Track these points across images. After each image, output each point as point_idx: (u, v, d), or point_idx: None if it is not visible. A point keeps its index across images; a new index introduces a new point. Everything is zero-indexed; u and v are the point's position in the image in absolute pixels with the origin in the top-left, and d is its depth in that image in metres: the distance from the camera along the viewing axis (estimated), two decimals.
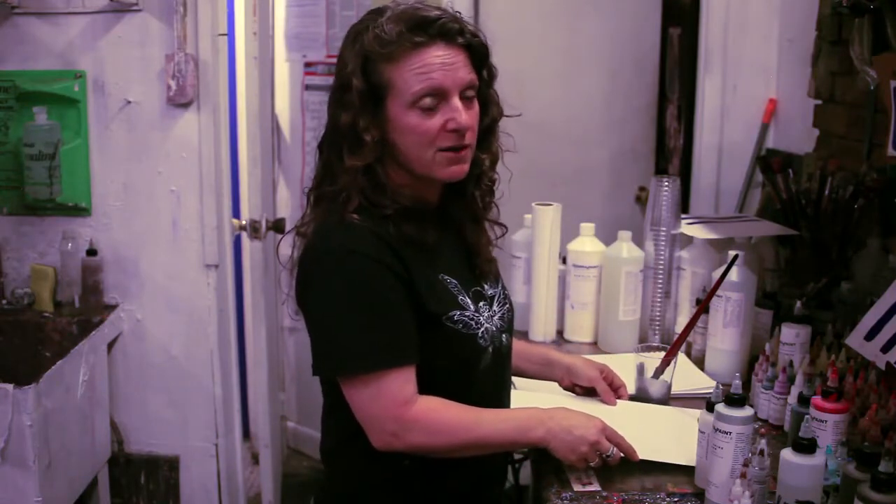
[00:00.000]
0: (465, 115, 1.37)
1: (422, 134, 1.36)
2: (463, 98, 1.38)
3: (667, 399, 1.76)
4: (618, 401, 1.71)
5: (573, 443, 1.40)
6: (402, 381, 1.35)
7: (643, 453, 1.48)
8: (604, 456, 1.42)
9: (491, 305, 1.48)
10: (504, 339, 1.51)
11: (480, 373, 1.46)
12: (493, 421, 1.42)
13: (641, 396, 1.76)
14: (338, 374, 1.38)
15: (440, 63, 1.35)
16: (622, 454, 1.45)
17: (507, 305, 1.55)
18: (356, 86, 1.35)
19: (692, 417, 1.64)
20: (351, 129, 1.36)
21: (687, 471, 1.49)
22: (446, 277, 1.43)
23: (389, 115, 1.37)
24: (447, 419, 1.38)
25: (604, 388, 1.69)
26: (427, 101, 1.35)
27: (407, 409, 1.34)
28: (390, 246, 1.36)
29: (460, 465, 1.44)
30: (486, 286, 1.50)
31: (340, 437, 1.48)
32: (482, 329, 1.44)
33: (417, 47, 1.34)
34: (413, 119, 1.36)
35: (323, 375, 1.42)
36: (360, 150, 1.37)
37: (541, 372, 1.73)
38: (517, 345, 1.66)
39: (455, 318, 1.41)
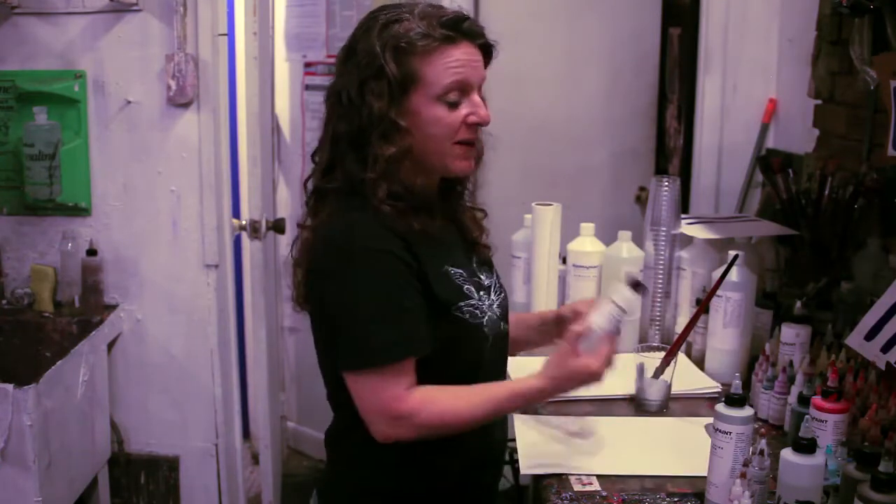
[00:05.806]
0: (485, 110, 1.44)
1: (446, 126, 1.41)
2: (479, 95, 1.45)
3: (667, 399, 1.77)
4: (622, 418, 1.72)
5: (569, 372, 1.44)
6: (400, 376, 1.37)
7: (645, 468, 1.50)
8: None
9: (489, 294, 1.50)
10: (502, 327, 1.53)
11: (485, 361, 1.48)
12: (482, 393, 1.43)
13: (641, 398, 1.77)
14: (343, 369, 1.40)
15: (467, 59, 1.41)
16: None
17: (503, 294, 1.57)
18: (391, 72, 1.37)
19: (698, 426, 1.64)
20: (384, 117, 1.38)
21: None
22: (451, 269, 1.45)
23: (413, 107, 1.40)
24: (441, 409, 1.39)
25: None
26: (453, 95, 1.41)
27: (400, 404, 1.36)
28: (403, 239, 1.39)
29: (457, 449, 1.46)
30: (483, 276, 1.52)
31: (343, 424, 1.51)
32: (486, 318, 1.46)
33: (449, 43, 1.40)
34: (439, 111, 1.41)
35: (338, 369, 1.43)
36: (395, 136, 1.39)
37: (540, 333, 1.71)
38: (512, 317, 1.66)
39: (463, 308, 1.43)
